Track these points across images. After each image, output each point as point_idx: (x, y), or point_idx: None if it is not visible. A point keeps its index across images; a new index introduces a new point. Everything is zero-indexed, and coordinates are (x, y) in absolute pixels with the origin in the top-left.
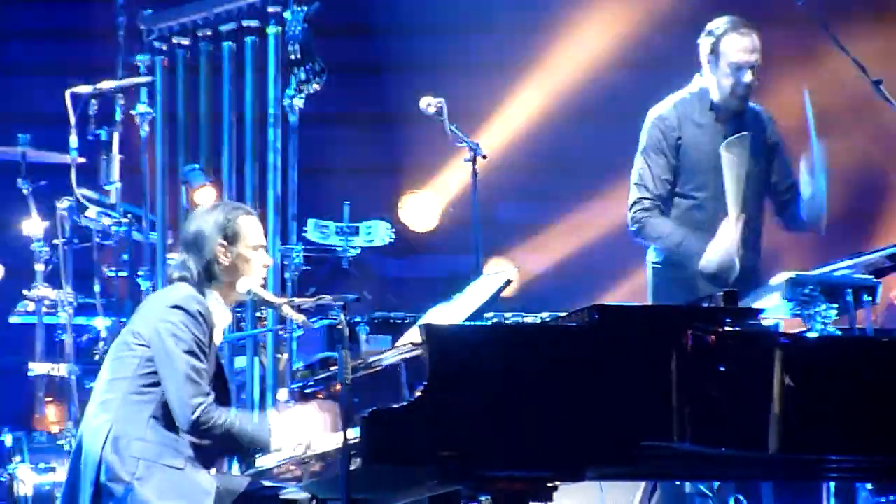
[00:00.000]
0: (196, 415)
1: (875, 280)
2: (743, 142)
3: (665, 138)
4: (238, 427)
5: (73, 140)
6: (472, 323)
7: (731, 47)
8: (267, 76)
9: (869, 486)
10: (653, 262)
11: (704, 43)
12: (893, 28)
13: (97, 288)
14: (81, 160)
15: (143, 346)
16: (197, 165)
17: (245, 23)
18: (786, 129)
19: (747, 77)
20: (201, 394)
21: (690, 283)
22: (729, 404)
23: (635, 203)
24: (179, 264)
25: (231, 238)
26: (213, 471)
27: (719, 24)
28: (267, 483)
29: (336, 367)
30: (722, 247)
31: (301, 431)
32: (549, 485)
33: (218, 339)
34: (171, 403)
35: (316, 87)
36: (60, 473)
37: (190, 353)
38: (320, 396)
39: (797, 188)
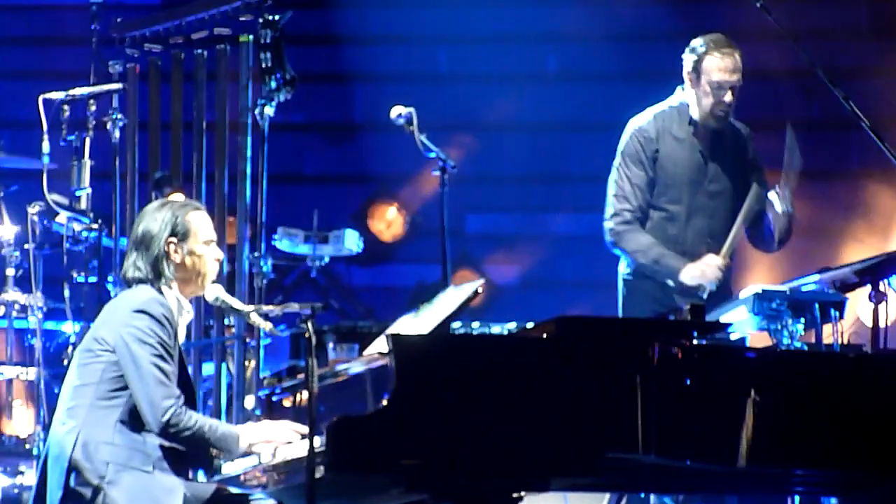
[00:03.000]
0: (167, 416)
1: (842, 295)
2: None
3: (643, 150)
4: (207, 430)
5: (45, 145)
6: (439, 333)
7: (712, 66)
8: (238, 84)
9: (834, 500)
10: (624, 275)
11: (687, 60)
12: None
13: (67, 293)
14: (53, 166)
15: (108, 351)
16: (167, 172)
17: (217, 31)
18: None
19: (727, 97)
20: (171, 396)
21: (661, 296)
22: (695, 417)
23: (615, 215)
24: (131, 264)
25: (181, 235)
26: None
27: (702, 42)
28: (233, 490)
29: (303, 376)
30: (702, 276)
31: (269, 438)
32: (514, 495)
33: (181, 335)
34: (140, 407)
35: (286, 95)
36: (29, 477)
37: (157, 356)
38: (287, 404)
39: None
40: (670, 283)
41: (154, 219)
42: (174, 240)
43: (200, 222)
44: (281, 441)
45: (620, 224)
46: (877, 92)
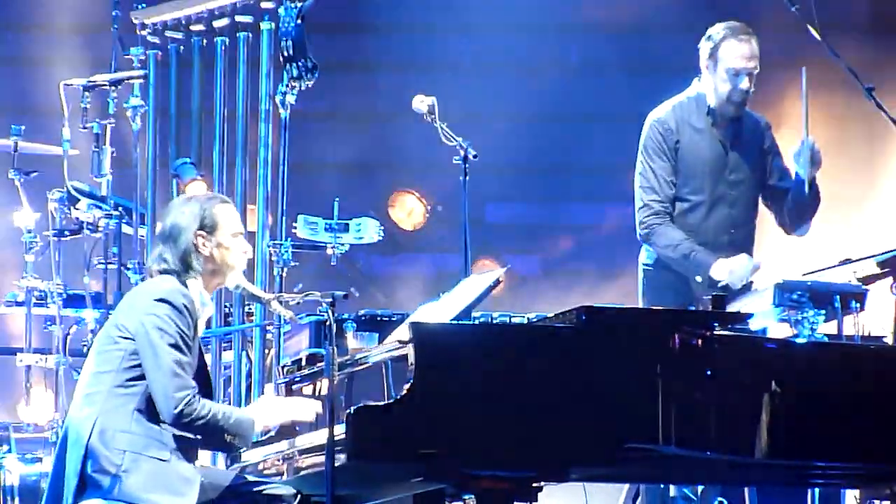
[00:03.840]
0: (179, 408)
1: (863, 287)
2: None
3: (665, 141)
4: (221, 417)
5: (66, 132)
6: (460, 322)
7: (729, 53)
8: (259, 72)
9: (855, 492)
10: (644, 264)
11: (704, 48)
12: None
13: (86, 280)
14: (73, 152)
15: (127, 339)
16: (188, 160)
17: (238, 18)
18: (779, 133)
19: (744, 83)
20: (185, 387)
21: (681, 285)
22: (715, 408)
23: (644, 207)
24: (157, 257)
25: (209, 228)
26: (198, 464)
27: (719, 29)
28: (251, 478)
29: (323, 364)
30: (731, 275)
31: (283, 419)
32: (534, 485)
33: (201, 329)
34: (154, 396)
35: (308, 83)
36: (47, 464)
37: (174, 346)
38: (306, 392)
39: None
40: (699, 279)
41: (182, 212)
42: (203, 233)
43: (228, 215)
44: (295, 419)
45: (650, 216)
46: None
